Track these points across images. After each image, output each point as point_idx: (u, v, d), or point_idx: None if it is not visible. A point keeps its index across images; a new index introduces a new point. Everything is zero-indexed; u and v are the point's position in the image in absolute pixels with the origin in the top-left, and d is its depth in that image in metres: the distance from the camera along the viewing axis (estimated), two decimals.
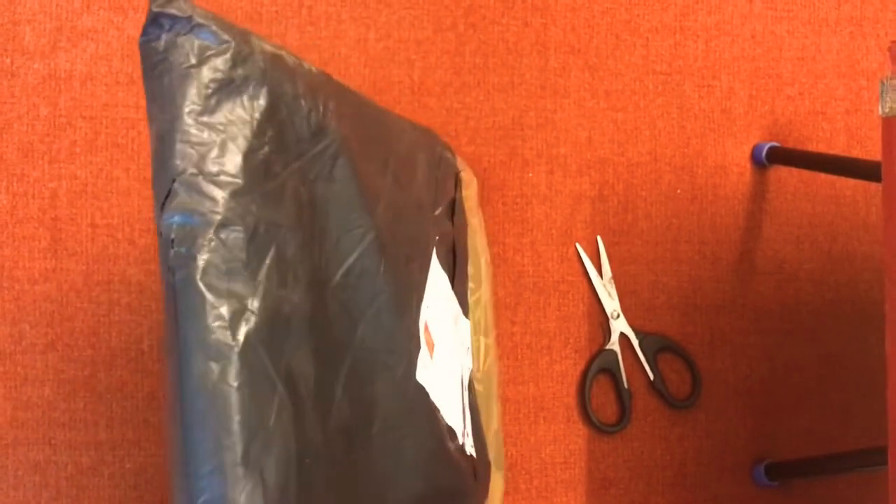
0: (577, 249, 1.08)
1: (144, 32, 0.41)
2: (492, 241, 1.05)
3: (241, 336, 0.41)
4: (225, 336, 0.41)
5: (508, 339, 1.05)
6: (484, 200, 1.04)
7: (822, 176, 1.13)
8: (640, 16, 1.12)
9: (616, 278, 1.08)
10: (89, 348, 0.99)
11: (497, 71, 1.09)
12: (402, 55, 1.07)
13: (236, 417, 0.40)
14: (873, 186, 1.12)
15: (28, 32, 1.01)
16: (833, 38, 1.16)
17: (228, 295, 0.41)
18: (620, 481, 1.07)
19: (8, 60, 1.01)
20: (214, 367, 0.41)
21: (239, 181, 0.42)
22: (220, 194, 0.41)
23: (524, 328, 1.06)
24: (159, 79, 0.42)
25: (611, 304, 1.07)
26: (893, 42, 0.75)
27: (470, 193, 0.84)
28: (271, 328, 0.42)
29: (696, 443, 1.08)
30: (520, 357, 1.06)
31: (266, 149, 0.44)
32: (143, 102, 1.01)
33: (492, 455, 0.80)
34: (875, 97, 1.16)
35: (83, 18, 1.02)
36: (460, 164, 0.80)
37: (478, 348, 0.77)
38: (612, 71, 1.11)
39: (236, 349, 0.41)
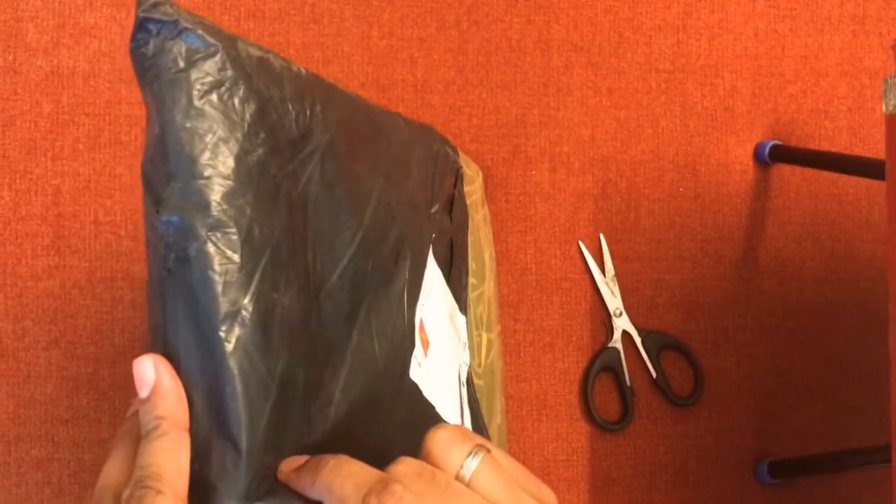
0: (579, 247, 1.08)
1: (133, 39, 0.42)
2: (495, 239, 1.05)
3: (232, 339, 0.41)
4: (218, 339, 0.41)
5: (511, 336, 1.06)
6: (487, 198, 1.04)
7: (825, 174, 1.13)
8: (642, 14, 1.12)
9: (619, 276, 1.08)
10: (92, 345, 0.99)
11: (500, 69, 1.09)
12: (405, 53, 1.07)
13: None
14: (876, 184, 1.12)
15: (31, 29, 1.01)
16: (836, 37, 1.16)
17: (223, 297, 0.41)
18: (623, 479, 1.07)
19: (11, 57, 1.01)
20: (208, 370, 0.41)
21: (231, 183, 0.42)
22: (213, 197, 0.42)
23: (527, 325, 1.06)
24: (150, 84, 0.42)
25: (613, 301, 1.07)
26: None
27: (474, 189, 0.84)
28: (264, 331, 0.42)
29: (698, 440, 1.08)
30: (522, 354, 1.06)
31: (260, 151, 0.44)
32: None
33: None
34: (877, 95, 1.16)
35: (86, 15, 1.02)
36: (463, 159, 0.80)
37: (479, 343, 0.77)
38: (615, 69, 1.11)
39: (228, 352, 0.41)
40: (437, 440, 0.41)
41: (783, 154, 1.11)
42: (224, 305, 0.41)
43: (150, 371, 0.41)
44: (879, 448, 0.87)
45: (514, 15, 1.09)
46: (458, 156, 0.76)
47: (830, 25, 1.16)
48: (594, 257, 1.08)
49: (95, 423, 0.99)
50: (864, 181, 1.12)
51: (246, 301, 0.42)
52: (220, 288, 0.41)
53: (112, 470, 0.41)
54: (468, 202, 0.78)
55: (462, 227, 0.75)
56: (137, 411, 0.42)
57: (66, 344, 0.99)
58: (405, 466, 0.40)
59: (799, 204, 1.13)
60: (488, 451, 0.41)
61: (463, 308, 0.71)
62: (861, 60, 1.16)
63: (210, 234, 0.41)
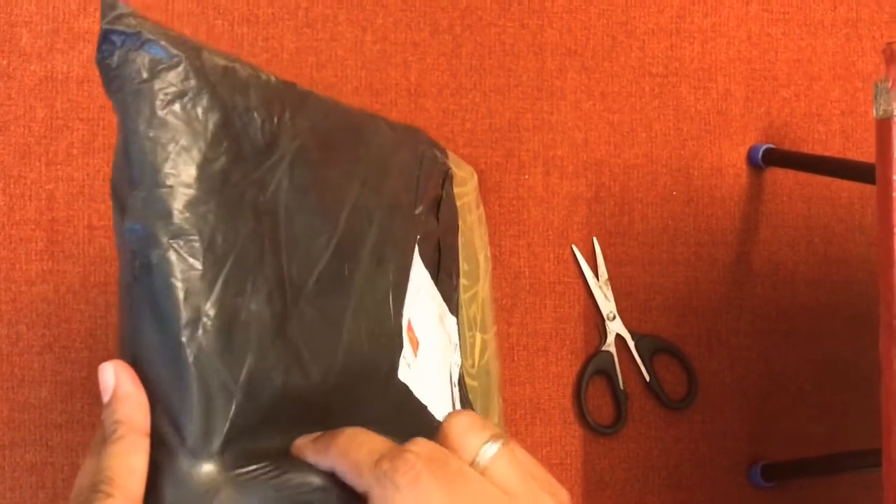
0: (573, 251, 1.08)
1: (99, 50, 0.43)
2: (488, 243, 1.05)
3: (193, 345, 0.42)
4: (179, 345, 0.42)
5: (505, 340, 1.06)
6: (481, 202, 1.05)
7: (818, 178, 1.13)
8: (636, 18, 1.12)
9: (612, 280, 1.08)
10: (86, 350, 0.99)
11: (493, 73, 1.09)
12: (399, 57, 1.07)
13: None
14: (868, 188, 1.12)
15: (25, 34, 1.02)
16: (828, 41, 1.16)
17: (184, 303, 0.42)
18: (616, 482, 1.07)
19: (5, 62, 1.01)
20: (170, 375, 0.42)
21: (194, 192, 0.43)
22: (175, 205, 0.42)
23: (520, 329, 1.06)
24: (116, 94, 0.43)
25: (607, 305, 1.07)
26: (888, 44, 0.75)
27: (467, 190, 0.84)
28: (227, 337, 0.43)
29: (691, 444, 1.08)
30: (516, 358, 1.06)
31: (223, 159, 0.45)
32: None
33: None
34: (870, 99, 1.16)
35: (79, 20, 1.02)
36: (455, 161, 0.80)
37: (472, 344, 0.77)
38: (609, 73, 1.11)
39: (188, 357, 0.42)
40: (456, 425, 0.41)
41: (776, 158, 1.11)
42: (186, 312, 0.42)
43: (111, 377, 0.42)
44: (872, 451, 0.87)
45: (507, 19, 1.10)
46: (446, 157, 0.76)
47: (823, 29, 1.16)
48: (587, 261, 1.08)
49: (89, 428, 0.99)
50: (857, 185, 1.12)
51: (208, 307, 0.42)
52: (181, 294, 0.42)
53: (82, 476, 0.42)
54: (460, 203, 0.78)
55: (451, 228, 0.75)
56: None
57: (60, 348, 0.99)
58: (419, 446, 0.40)
59: (792, 207, 1.13)
60: (507, 441, 0.41)
61: (454, 309, 0.72)
62: (854, 64, 1.17)
63: (172, 241, 0.42)
